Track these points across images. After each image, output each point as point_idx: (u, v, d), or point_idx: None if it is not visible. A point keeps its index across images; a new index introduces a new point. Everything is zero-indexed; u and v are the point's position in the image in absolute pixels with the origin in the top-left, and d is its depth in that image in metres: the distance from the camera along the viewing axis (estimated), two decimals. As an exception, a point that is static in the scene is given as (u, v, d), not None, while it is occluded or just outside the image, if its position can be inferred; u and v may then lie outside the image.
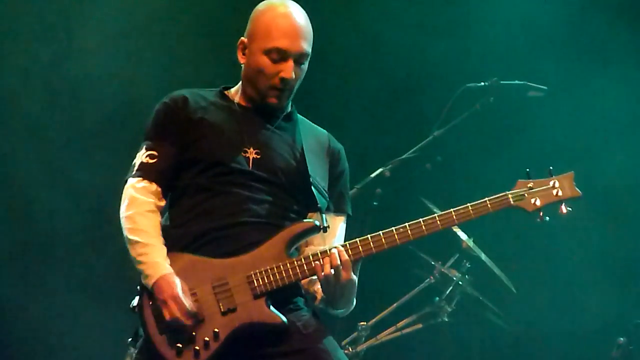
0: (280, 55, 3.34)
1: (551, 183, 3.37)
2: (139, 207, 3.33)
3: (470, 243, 5.15)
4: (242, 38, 3.44)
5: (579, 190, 3.37)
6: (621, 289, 5.76)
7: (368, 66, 6.19)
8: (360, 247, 3.30)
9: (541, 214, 3.37)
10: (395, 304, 5.25)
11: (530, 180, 3.38)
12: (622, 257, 5.89)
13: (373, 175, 5.06)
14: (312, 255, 3.29)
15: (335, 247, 3.28)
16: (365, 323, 5.12)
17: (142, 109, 4.44)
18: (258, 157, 3.37)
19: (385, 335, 5.24)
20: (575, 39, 6.04)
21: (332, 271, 3.24)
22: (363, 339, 5.15)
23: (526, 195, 3.37)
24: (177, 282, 3.23)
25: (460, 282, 5.17)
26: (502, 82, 5.21)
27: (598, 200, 5.56)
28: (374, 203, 5.21)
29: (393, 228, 3.31)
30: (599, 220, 5.82)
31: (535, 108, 5.69)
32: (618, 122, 5.90)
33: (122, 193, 3.43)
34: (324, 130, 3.59)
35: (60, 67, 5.91)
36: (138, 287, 3.32)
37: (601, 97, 5.91)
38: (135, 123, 4.56)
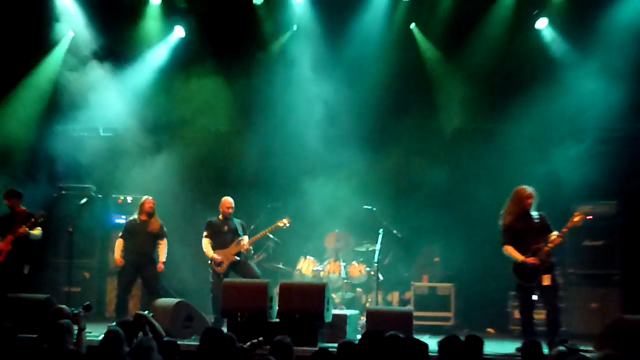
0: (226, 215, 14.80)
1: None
2: (207, 244, 14.55)
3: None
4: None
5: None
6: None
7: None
8: (251, 240, 14.79)
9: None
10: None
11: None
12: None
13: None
14: (241, 242, 14.66)
15: (243, 239, 14.36)
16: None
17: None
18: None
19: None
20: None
21: (245, 245, 14.64)
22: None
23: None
24: (216, 255, 14.06)
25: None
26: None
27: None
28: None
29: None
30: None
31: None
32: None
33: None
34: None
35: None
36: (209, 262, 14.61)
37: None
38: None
